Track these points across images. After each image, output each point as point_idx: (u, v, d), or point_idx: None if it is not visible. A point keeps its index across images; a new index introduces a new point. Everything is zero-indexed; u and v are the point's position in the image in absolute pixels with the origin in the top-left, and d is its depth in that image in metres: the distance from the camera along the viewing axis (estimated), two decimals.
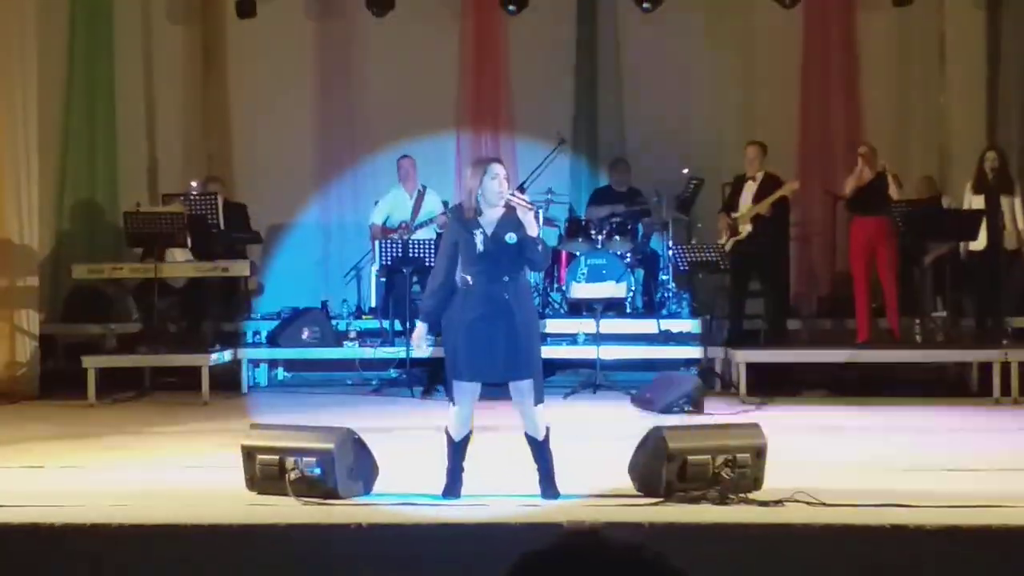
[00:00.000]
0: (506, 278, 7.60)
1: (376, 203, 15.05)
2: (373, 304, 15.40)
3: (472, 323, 7.57)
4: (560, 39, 16.34)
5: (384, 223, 14.69)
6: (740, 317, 13.64)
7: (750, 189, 13.54)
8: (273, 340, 14.22)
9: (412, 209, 14.61)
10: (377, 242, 14.09)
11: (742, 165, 13.93)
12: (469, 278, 7.61)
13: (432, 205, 14.59)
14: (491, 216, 7.62)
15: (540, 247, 7.63)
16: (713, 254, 13.14)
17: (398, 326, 13.89)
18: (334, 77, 16.35)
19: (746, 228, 13.41)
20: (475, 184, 7.64)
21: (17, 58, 13.32)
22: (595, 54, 16.42)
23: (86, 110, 15.62)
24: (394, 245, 13.62)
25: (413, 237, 14.15)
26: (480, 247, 7.57)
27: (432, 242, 13.45)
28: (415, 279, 13.71)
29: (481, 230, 7.59)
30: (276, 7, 16.10)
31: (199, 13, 16.48)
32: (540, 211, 14.54)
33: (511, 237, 7.56)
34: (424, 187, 14.71)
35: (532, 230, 7.55)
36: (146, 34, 16.29)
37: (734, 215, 13.59)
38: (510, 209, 7.60)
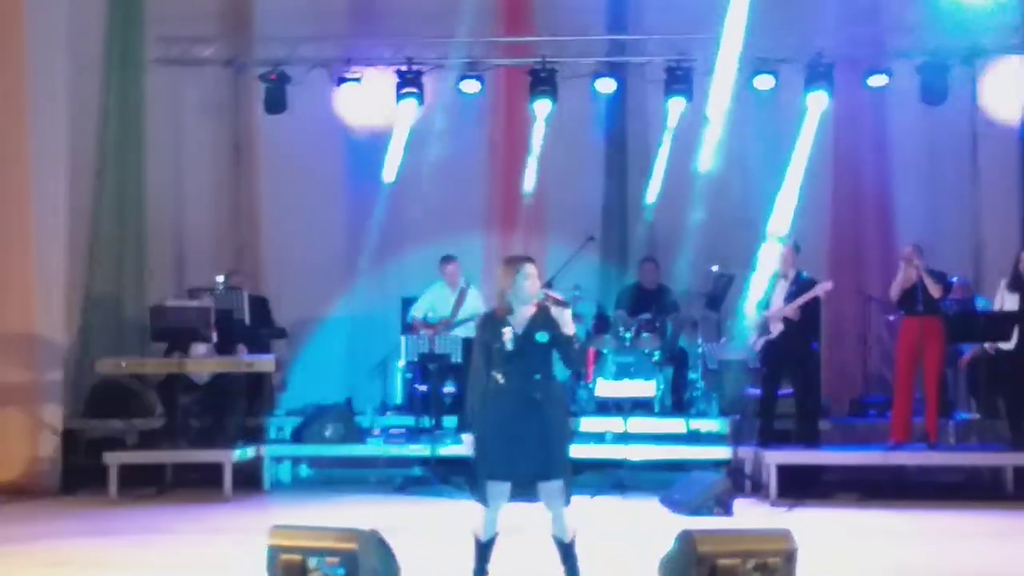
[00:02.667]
0: (537, 376, 7.58)
1: (417, 298, 14.95)
2: (399, 400, 15.32)
3: (504, 422, 7.53)
4: (591, 136, 16.37)
5: (424, 318, 14.60)
6: (771, 417, 13.47)
7: (783, 288, 13.43)
8: (297, 436, 14.12)
9: (454, 305, 14.53)
10: (404, 338, 14.03)
11: (771, 262, 13.84)
12: (500, 377, 7.56)
13: (474, 302, 14.51)
14: (522, 315, 7.61)
15: (576, 345, 7.64)
16: (743, 353, 12.99)
17: (424, 423, 13.79)
18: (364, 173, 16.37)
19: (777, 327, 13.27)
20: (507, 283, 7.64)
21: (50, 148, 13.40)
22: (624, 151, 16.47)
23: (116, 202, 15.64)
24: (421, 341, 13.54)
25: (453, 333, 14.05)
26: (510, 346, 7.54)
27: (461, 340, 13.36)
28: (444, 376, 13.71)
29: (511, 328, 7.55)
30: (306, 103, 16.21)
31: (230, 107, 16.61)
32: (571, 304, 14.51)
33: (542, 336, 7.54)
34: (468, 284, 14.65)
35: (568, 328, 7.58)
36: (177, 127, 16.42)
37: (766, 314, 13.46)
38: (541, 308, 7.59)
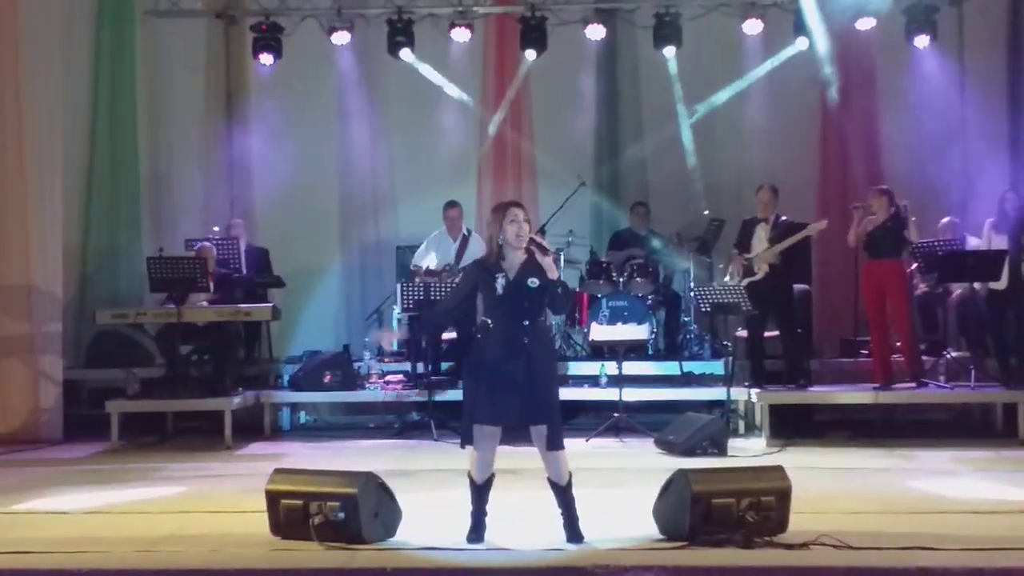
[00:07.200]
0: (526, 322, 7.58)
1: (415, 247, 14.98)
2: (395, 347, 15.41)
3: (492, 366, 7.56)
4: (581, 83, 16.39)
5: (428, 267, 14.60)
6: (760, 358, 13.58)
7: (763, 231, 13.49)
8: (295, 384, 14.22)
9: (456, 253, 14.56)
10: (399, 285, 14.09)
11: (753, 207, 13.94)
12: (489, 321, 7.61)
13: (477, 250, 14.50)
14: (513, 260, 7.61)
15: (560, 290, 7.60)
16: (735, 295, 13.09)
17: (420, 369, 13.89)
18: (355, 122, 16.40)
19: (763, 269, 13.35)
20: (496, 229, 7.65)
21: (43, 104, 13.42)
22: (615, 98, 16.49)
23: (110, 155, 15.75)
24: (416, 289, 13.60)
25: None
26: (500, 291, 7.57)
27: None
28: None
29: (503, 274, 7.59)
30: (298, 53, 16.22)
31: (222, 58, 16.59)
32: (561, 253, 14.59)
33: (533, 282, 7.55)
34: (470, 231, 14.65)
35: (552, 273, 7.54)
36: (169, 79, 16.42)
37: (747, 256, 13.53)
38: (532, 253, 7.60)
